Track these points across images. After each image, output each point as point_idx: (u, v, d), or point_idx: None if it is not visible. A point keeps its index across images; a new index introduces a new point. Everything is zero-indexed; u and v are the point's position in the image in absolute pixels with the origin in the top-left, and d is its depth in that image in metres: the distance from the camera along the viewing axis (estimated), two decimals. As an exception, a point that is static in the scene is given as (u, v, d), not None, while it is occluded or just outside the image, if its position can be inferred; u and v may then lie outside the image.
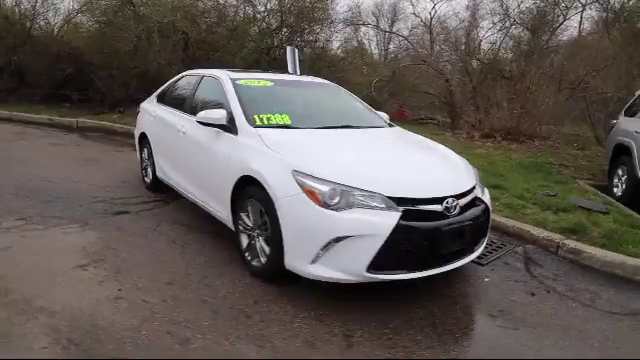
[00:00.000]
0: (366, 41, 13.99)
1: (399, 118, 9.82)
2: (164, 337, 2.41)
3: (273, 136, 3.20)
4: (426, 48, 11.47)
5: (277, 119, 3.46)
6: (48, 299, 2.70)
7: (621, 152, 6.04)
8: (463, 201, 2.96)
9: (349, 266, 2.63)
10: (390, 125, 4.15)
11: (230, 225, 3.45)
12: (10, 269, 3.06)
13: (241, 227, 3.25)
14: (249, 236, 3.20)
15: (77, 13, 12.56)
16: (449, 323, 2.75)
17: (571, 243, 3.80)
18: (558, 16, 9.37)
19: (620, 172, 6.04)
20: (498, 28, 10.33)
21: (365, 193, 2.66)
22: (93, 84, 10.82)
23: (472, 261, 3.16)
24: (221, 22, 11.60)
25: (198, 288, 2.94)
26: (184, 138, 4.04)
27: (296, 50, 7.56)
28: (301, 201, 2.68)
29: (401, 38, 12.14)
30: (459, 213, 2.89)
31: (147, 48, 9.63)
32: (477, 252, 3.15)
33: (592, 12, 10.20)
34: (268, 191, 2.85)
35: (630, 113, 6.28)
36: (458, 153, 3.66)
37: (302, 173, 2.75)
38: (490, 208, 3.23)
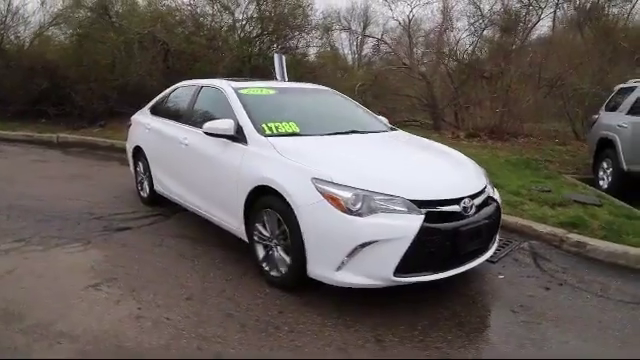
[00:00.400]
0: (339, 46, 14.10)
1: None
2: (195, 353, 2.36)
3: (286, 144, 3.18)
4: (404, 51, 11.65)
5: (285, 127, 3.45)
6: (67, 323, 2.60)
7: (605, 145, 6.27)
8: (477, 201, 3.01)
9: (376, 271, 2.64)
10: (392, 129, 4.19)
11: (242, 236, 3.41)
12: (18, 293, 2.94)
13: (256, 238, 3.21)
14: (266, 246, 3.16)
15: (49, 26, 12.24)
16: (474, 322, 2.79)
17: (574, 236, 3.91)
18: (532, 16, 9.72)
19: (605, 165, 6.26)
20: (474, 29, 10.61)
21: (387, 197, 2.68)
22: (70, 98, 10.52)
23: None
24: (198, 31, 11.50)
25: (219, 302, 2.89)
26: (187, 150, 3.97)
27: (283, 57, 7.57)
28: (323, 208, 2.68)
29: (375, 42, 12.32)
30: (475, 213, 2.94)
31: (127, 60, 9.45)
32: (492, 250, 3.21)
33: (564, 11, 10.62)
34: (288, 200, 2.83)
35: (610, 108, 6.53)
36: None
37: (322, 180, 2.74)
38: (501, 206, 3.30)
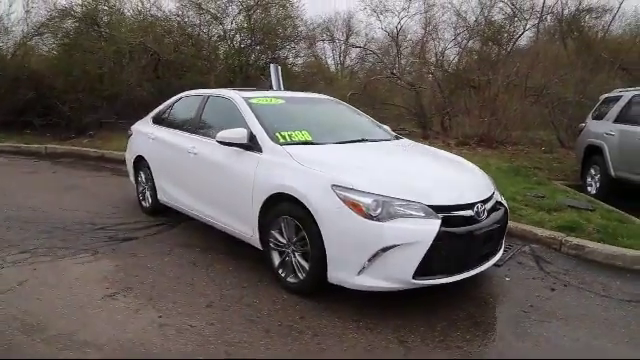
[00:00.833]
0: (322, 55, 14.28)
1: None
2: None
3: (302, 152, 3.25)
4: (391, 60, 11.88)
5: (299, 136, 3.52)
6: (89, 332, 2.60)
7: (593, 153, 6.52)
8: (488, 206, 3.13)
9: (396, 274, 2.72)
10: (396, 137, 4.30)
11: (255, 244, 3.45)
12: (34, 304, 2.92)
13: (272, 244, 3.26)
14: (281, 253, 3.21)
15: (33, 36, 12.08)
16: (489, 322, 2.89)
17: (573, 240, 4.07)
18: (517, 27, 10.06)
19: (593, 171, 6.50)
20: (460, 40, 10.93)
21: (405, 203, 2.77)
22: (57, 109, 10.39)
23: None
24: (187, 42, 11.53)
25: (239, 309, 2.92)
26: (196, 159, 4.00)
27: (279, 67, 7.67)
28: (345, 214, 2.75)
29: (360, 51, 12.55)
30: (486, 217, 3.05)
31: (117, 70, 9.40)
32: (500, 253, 3.33)
33: (546, 23, 11.02)
34: (308, 207, 2.89)
35: (596, 116, 6.80)
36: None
37: (342, 187, 2.81)
38: (508, 211, 3.42)
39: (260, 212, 3.29)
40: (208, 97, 4.32)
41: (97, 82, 9.91)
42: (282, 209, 3.13)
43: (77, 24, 10.50)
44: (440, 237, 2.72)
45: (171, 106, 4.87)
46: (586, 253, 3.94)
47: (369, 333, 2.66)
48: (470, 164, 3.67)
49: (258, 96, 4.00)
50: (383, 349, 2.51)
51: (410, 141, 4.24)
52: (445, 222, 2.77)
